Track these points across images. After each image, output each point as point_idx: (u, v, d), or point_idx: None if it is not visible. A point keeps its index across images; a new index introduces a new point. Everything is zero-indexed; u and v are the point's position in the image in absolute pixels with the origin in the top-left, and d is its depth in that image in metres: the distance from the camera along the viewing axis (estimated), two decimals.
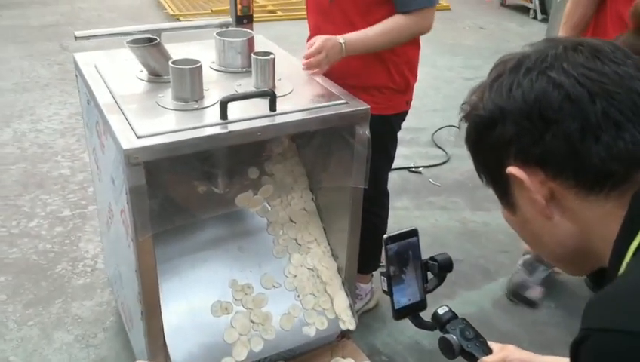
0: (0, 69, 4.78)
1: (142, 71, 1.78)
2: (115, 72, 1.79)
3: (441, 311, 1.12)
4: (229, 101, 1.52)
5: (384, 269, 1.08)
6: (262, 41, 2.17)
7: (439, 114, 4.28)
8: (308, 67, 1.82)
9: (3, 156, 3.49)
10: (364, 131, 1.69)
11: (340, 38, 1.80)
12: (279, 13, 6.47)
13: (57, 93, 4.39)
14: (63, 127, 3.88)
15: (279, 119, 1.59)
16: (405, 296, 1.09)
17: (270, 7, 6.65)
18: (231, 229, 1.92)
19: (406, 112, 2.12)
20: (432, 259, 1.14)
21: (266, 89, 1.65)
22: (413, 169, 3.52)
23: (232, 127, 1.52)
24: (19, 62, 4.93)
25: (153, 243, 1.54)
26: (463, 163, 3.63)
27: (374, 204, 2.14)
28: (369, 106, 1.68)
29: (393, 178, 3.47)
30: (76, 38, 1.76)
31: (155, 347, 1.64)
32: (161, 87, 1.70)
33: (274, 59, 1.70)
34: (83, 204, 3.05)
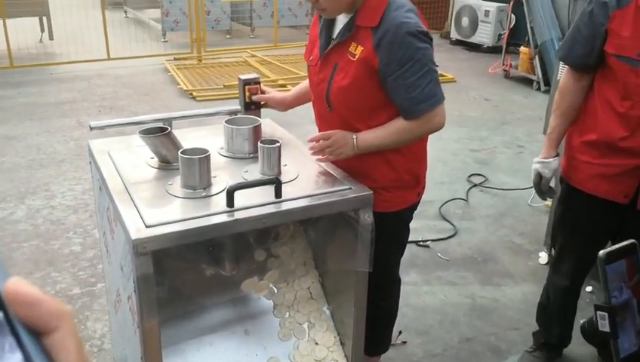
0: (17, 145, 4.92)
1: (153, 158, 1.85)
2: (127, 159, 1.86)
3: None
4: (235, 190, 1.56)
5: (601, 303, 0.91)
6: (270, 125, 2.25)
7: (446, 186, 4.33)
8: (312, 150, 1.87)
9: (16, 233, 3.55)
10: (368, 215, 1.72)
11: (353, 134, 1.80)
12: (289, 87, 6.67)
13: (72, 168, 4.50)
14: (76, 203, 3.96)
15: (284, 206, 1.63)
16: (630, 339, 0.93)
17: (281, 82, 6.87)
18: (237, 312, 1.93)
19: (417, 203, 2.04)
20: None
21: (271, 176, 1.70)
22: (421, 243, 3.53)
23: (238, 215, 1.56)
24: (35, 139, 5.07)
25: (159, 329, 1.56)
26: (472, 236, 3.64)
27: (383, 289, 2.14)
28: (371, 192, 1.72)
29: None
30: (91, 128, 1.84)
31: None
32: (171, 173, 1.76)
33: (279, 147, 1.76)
34: (92, 282, 3.07)
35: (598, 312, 0.93)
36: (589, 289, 3.04)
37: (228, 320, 1.91)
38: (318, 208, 1.66)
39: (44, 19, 8.61)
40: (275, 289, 1.97)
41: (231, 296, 1.89)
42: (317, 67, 1.89)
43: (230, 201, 1.57)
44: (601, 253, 0.93)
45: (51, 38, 8.65)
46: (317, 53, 1.89)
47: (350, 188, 1.72)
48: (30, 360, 0.27)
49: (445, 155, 4.90)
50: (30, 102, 6.06)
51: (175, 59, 7.79)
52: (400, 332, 2.70)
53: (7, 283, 0.29)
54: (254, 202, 1.61)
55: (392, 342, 2.64)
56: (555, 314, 2.41)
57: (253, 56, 8.07)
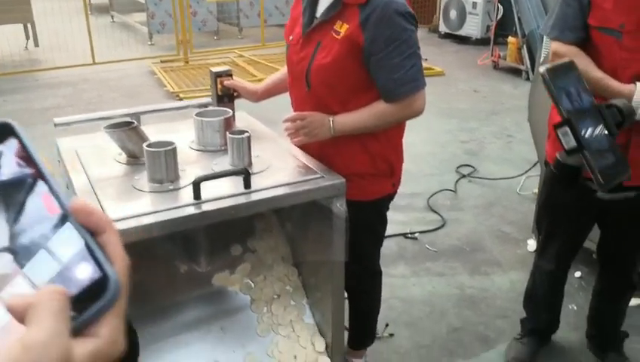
0: None
1: (121, 154, 1.80)
2: (95, 156, 1.81)
3: None
4: (201, 181, 1.52)
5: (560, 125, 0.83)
6: (245, 119, 2.21)
7: (436, 178, 4.29)
8: (287, 131, 1.83)
9: None
10: (341, 204, 1.68)
11: (330, 116, 1.77)
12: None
13: (57, 174, 4.45)
14: None
15: (254, 196, 1.59)
16: (602, 145, 0.85)
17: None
18: (213, 309, 1.89)
19: (393, 194, 2.00)
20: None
21: (241, 167, 1.66)
22: (409, 235, 3.49)
23: (205, 207, 1.52)
24: None
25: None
26: (460, 227, 3.60)
27: (364, 282, 2.10)
28: (344, 180, 1.68)
29: (389, 245, 3.43)
30: (55, 125, 1.80)
31: None
32: (139, 168, 1.72)
33: (249, 137, 1.72)
34: None
35: (559, 131, 0.86)
36: (577, 274, 3.01)
37: (204, 317, 1.87)
38: (289, 197, 1.62)
39: (29, 26, 8.54)
40: (252, 284, 1.93)
41: (206, 292, 1.85)
42: (298, 45, 1.85)
43: (197, 193, 1.53)
44: (542, 69, 0.86)
45: (36, 44, 8.58)
46: (299, 32, 1.85)
47: (322, 177, 1.68)
48: (90, 247, 0.39)
49: (434, 147, 4.86)
50: (15, 109, 6.01)
51: (162, 61, 7.74)
52: (387, 325, 2.66)
53: (72, 201, 0.40)
54: (223, 194, 1.57)
55: (378, 335, 2.60)
56: (541, 300, 2.37)
57: (240, 56, 8.03)
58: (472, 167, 4.50)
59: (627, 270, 2.21)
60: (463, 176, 4.36)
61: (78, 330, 0.37)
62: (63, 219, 0.40)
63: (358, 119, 1.78)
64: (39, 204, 0.40)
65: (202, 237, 1.87)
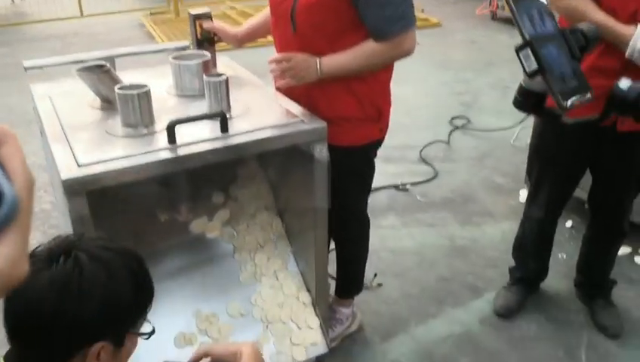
0: None
1: (95, 99, 1.74)
2: (69, 102, 1.75)
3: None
4: (175, 125, 1.47)
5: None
6: (229, 65, 2.13)
7: (430, 130, 4.22)
8: (271, 73, 1.76)
9: None
10: (323, 149, 1.63)
11: (317, 57, 1.70)
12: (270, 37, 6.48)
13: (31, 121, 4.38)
14: (46, 162, 3.86)
15: (231, 141, 1.53)
16: (565, 69, 0.85)
17: None
18: (195, 257, 1.86)
19: (381, 140, 1.94)
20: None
21: (218, 110, 1.60)
22: (401, 187, 3.45)
23: (180, 151, 1.47)
24: (6, 100, 4.94)
25: None
26: (453, 178, 3.56)
27: (351, 230, 2.07)
28: (325, 124, 1.62)
29: (380, 197, 3.40)
30: (26, 68, 1.73)
31: None
32: (113, 114, 1.66)
33: (226, 80, 1.65)
34: None
35: (521, 54, 0.82)
36: (569, 224, 2.98)
37: (185, 265, 1.84)
38: (268, 142, 1.57)
39: None
40: (235, 233, 1.90)
41: (188, 241, 1.82)
42: None
43: (171, 137, 1.48)
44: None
45: None
46: None
47: (303, 121, 1.63)
48: None
49: (428, 99, 4.78)
50: (2, 63, 5.89)
51: (151, 14, 7.55)
52: (375, 275, 2.64)
53: None
54: (199, 138, 1.52)
55: (367, 285, 2.59)
56: (530, 249, 2.35)
57: (232, 8, 7.83)
58: (466, 118, 4.43)
59: (618, 217, 2.17)
60: (457, 127, 4.29)
61: None
62: None
63: (345, 60, 1.71)
64: None
65: (183, 186, 1.83)
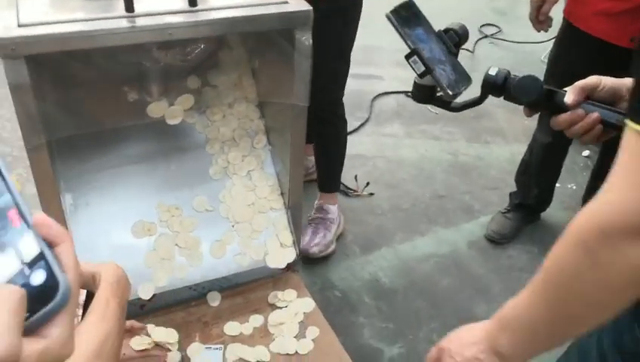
0: None
1: None
2: None
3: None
4: None
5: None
6: None
7: None
8: None
9: None
10: (306, 38, 1.43)
11: None
12: None
13: None
14: None
15: (198, 16, 1.34)
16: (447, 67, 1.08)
17: None
18: (163, 144, 1.71)
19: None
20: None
21: None
22: (410, 93, 3.23)
23: (138, 22, 1.29)
24: None
25: (51, 151, 1.37)
26: (469, 90, 3.32)
27: (331, 111, 2.04)
28: (310, 8, 1.41)
29: (387, 101, 3.20)
30: None
31: None
32: None
33: None
34: None
35: (410, 61, 1.04)
36: (585, 153, 2.78)
37: (151, 152, 1.70)
38: (240, 22, 1.37)
39: None
40: (210, 122, 1.75)
41: (157, 127, 1.67)
42: None
43: (129, 4, 1.29)
44: (387, 12, 1.05)
45: None
46: None
47: (286, 2, 1.42)
48: (46, 256, 0.42)
49: (457, 2, 4.41)
50: None
51: None
52: (367, 184, 2.51)
53: (34, 216, 0.44)
54: (162, 10, 1.33)
55: (357, 193, 2.47)
56: (534, 173, 2.18)
57: None
58: (497, 26, 4.10)
59: None
60: (485, 36, 3.99)
61: (30, 330, 0.40)
62: (25, 230, 0.43)
63: None
64: (4, 215, 0.43)
65: (154, 64, 1.65)
